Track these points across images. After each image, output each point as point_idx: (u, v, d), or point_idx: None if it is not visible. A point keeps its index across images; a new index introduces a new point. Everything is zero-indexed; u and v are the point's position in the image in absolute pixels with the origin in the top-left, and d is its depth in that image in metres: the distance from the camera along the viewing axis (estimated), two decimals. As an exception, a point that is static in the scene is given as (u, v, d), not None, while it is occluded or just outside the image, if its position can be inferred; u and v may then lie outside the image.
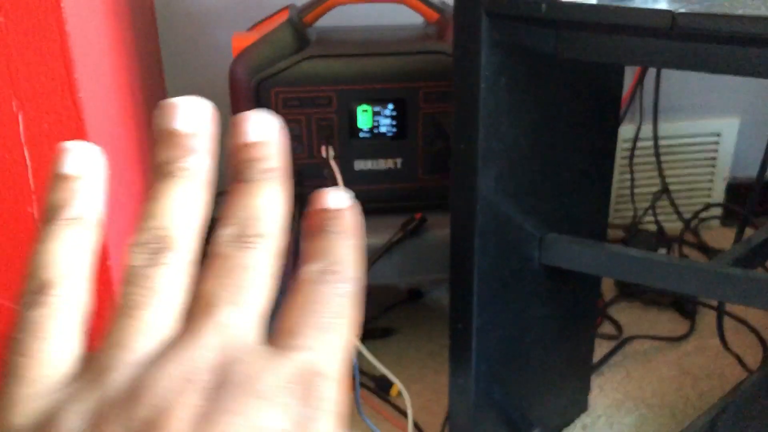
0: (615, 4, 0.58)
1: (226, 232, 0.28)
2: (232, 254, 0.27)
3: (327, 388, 0.25)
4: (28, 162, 0.64)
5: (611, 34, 0.64)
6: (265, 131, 0.30)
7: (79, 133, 0.64)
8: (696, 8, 0.57)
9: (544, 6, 0.58)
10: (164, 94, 1.16)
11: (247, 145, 0.29)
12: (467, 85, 0.63)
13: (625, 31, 0.62)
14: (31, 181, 0.65)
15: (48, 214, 0.27)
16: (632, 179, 1.32)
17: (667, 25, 0.55)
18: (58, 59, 0.62)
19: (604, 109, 0.79)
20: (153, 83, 1.06)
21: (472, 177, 0.65)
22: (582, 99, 0.76)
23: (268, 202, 0.29)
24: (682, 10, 0.56)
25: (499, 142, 0.66)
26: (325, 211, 0.30)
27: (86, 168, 0.28)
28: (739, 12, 0.54)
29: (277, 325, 0.27)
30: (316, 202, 0.30)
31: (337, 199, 0.30)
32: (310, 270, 0.28)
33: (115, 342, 0.24)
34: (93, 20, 0.72)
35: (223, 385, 0.24)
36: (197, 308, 0.26)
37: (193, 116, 0.29)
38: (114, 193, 0.73)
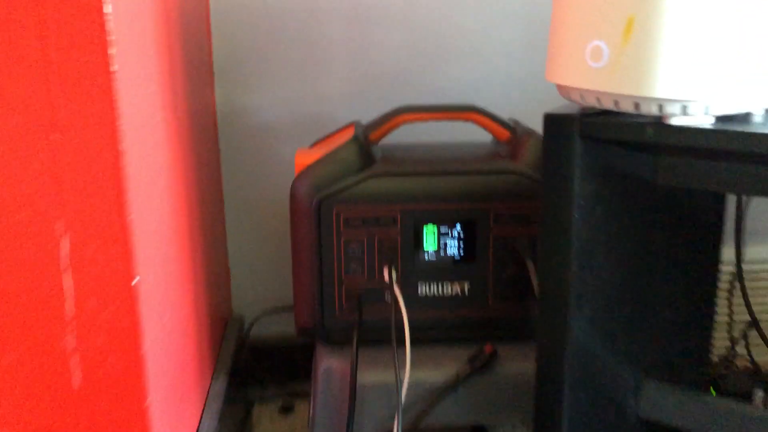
0: (731, 128, 0.51)
1: None
2: None
3: None
4: (69, 288, 0.59)
5: (717, 160, 0.56)
6: None
7: (126, 258, 0.59)
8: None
9: (650, 130, 0.51)
10: (222, 214, 1.12)
11: None
12: (558, 215, 0.56)
13: (736, 158, 0.55)
14: (67, 310, 0.59)
15: None
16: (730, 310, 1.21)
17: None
18: (110, 180, 0.58)
19: (704, 236, 0.71)
20: (211, 199, 1.02)
21: (563, 318, 0.57)
22: (681, 225, 0.68)
23: None
24: (816, 137, 0.49)
25: (595, 278, 0.58)
26: None
27: None
28: None
29: None
30: None
31: None
32: None
33: None
34: (150, 138, 0.68)
35: None
36: None
37: None
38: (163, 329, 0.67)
